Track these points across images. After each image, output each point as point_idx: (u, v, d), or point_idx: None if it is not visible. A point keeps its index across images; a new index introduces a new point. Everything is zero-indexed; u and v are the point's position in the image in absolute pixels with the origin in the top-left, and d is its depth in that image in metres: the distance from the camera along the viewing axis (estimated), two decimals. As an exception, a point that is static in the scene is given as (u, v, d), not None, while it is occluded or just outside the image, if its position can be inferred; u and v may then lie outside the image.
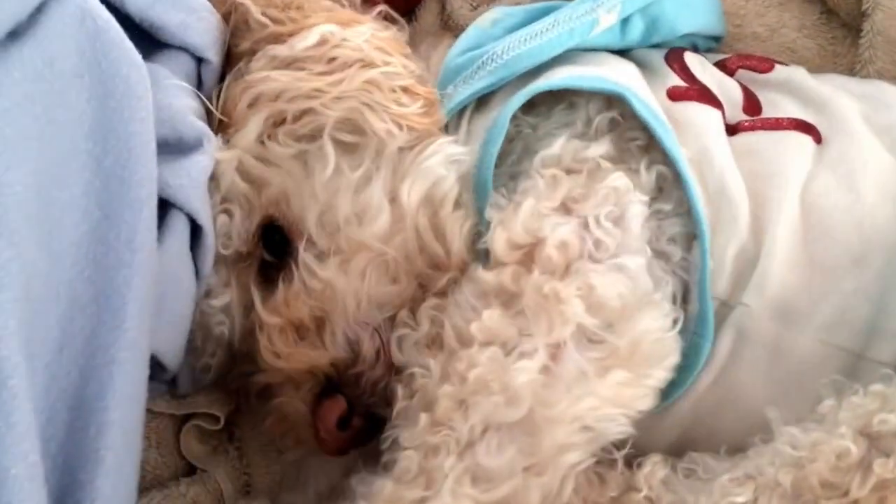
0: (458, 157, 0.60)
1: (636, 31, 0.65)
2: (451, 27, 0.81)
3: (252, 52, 0.60)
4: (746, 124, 0.61)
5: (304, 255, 0.57)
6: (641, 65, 0.63)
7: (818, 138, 0.60)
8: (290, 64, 0.58)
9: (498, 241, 0.53)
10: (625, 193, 0.54)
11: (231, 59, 0.62)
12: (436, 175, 0.59)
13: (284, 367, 0.57)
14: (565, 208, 0.54)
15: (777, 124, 0.61)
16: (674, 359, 0.52)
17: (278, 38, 0.59)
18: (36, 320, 0.45)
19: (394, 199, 0.58)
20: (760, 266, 0.55)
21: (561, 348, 0.50)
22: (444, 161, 0.59)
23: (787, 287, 0.55)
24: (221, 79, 0.61)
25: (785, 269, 0.55)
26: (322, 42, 0.58)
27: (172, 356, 0.57)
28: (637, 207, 0.54)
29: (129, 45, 0.51)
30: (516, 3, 0.77)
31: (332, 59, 0.58)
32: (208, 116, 0.60)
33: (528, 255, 0.52)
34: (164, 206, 0.54)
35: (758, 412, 0.54)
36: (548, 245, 0.52)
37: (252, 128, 0.58)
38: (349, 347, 0.57)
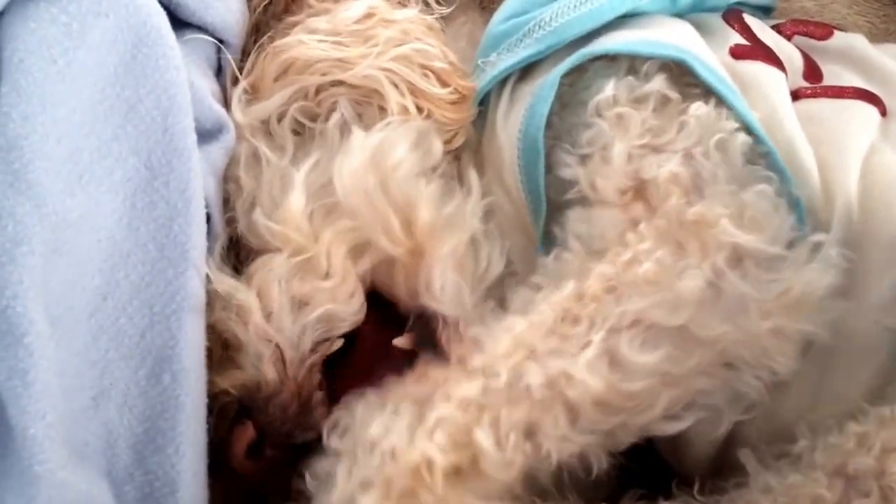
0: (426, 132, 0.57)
1: (685, 1, 0.62)
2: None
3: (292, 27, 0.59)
4: (808, 91, 0.59)
5: (215, 259, 0.54)
6: (697, 26, 0.61)
7: (883, 110, 0.57)
8: (329, 35, 0.57)
9: (605, 190, 0.51)
10: (713, 123, 0.52)
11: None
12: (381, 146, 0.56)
13: None
14: (652, 147, 0.52)
15: (841, 92, 0.59)
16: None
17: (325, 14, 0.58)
18: (68, 271, 0.46)
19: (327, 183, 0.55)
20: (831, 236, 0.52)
21: (721, 273, 0.47)
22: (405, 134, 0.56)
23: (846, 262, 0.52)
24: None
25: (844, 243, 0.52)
26: (367, 16, 0.57)
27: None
28: (741, 136, 0.52)
29: None
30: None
31: (371, 37, 0.57)
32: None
33: (638, 196, 0.50)
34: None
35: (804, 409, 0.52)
36: (660, 182, 0.50)
37: (276, 100, 0.56)
38: (256, 367, 0.53)
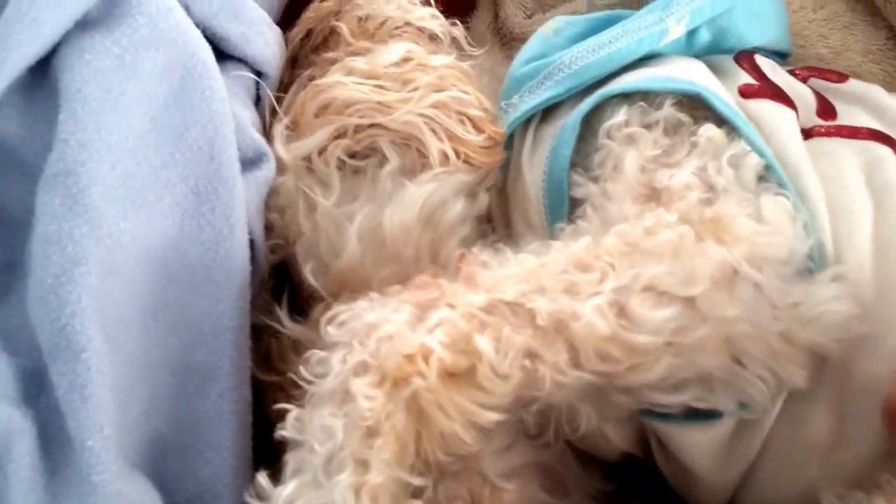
0: (471, 184, 0.60)
1: (702, 42, 0.64)
2: (503, 36, 0.81)
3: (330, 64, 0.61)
4: (822, 129, 0.60)
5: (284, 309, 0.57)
6: (709, 65, 0.63)
7: None
8: (366, 76, 0.59)
9: (617, 193, 0.52)
10: (724, 144, 0.53)
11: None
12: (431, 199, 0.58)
13: None
14: (664, 163, 0.53)
15: (855, 132, 0.59)
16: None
17: (362, 54, 0.61)
18: (121, 291, 0.48)
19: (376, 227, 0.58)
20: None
21: (738, 264, 0.47)
22: (453, 188, 0.59)
23: (861, 306, 0.52)
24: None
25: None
26: (405, 60, 0.59)
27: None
28: (754, 158, 0.53)
29: (196, 30, 0.53)
30: (572, 11, 0.77)
31: (408, 81, 0.59)
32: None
33: (652, 200, 0.51)
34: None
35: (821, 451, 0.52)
36: (674, 189, 0.50)
37: (317, 138, 0.58)
38: None
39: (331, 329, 0.46)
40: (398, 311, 0.45)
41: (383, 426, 0.42)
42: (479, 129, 0.60)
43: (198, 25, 0.55)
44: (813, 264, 0.51)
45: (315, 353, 0.46)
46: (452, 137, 0.59)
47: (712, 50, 0.65)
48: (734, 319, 0.46)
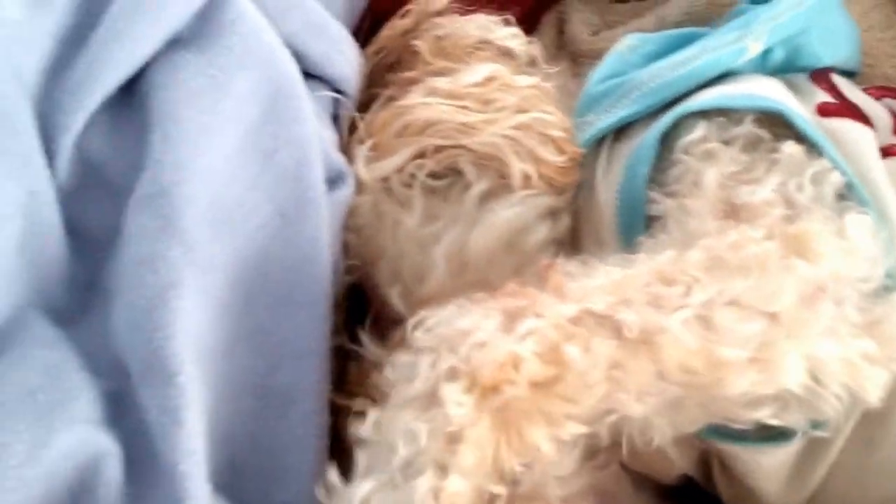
0: (554, 207, 0.59)
1: (776, 60, 0.64)
2: (568, 52, 0.81)
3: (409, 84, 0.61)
4: None
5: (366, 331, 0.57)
6: (786, 83, 0.62)
7: None
8: (448, 97, 0.59)
9: (696, 208, 0.52)
10: (805, 161, 0.53)
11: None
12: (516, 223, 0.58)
13: None
14: (743, 179, 0.52)
15: None
16: None
17: (441, 73, 0.61)
18: (209, 314, 0.48)
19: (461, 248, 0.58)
20: None
21: (823, 281, 0.46)
22: (537, 210, 0.59)
23: None
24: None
25: None
26: (488, 80, 0.59)
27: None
28: (836, 175, 0.52)
29: (286, 50, 0.53)
30: (639, 28, 0.77)
31: (491, 101, 0.59)
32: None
33: (732, 216, 0.50)
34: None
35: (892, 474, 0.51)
36: (755, 205, 0.50)
37: (397, 159, 0.58)
38: None
39: (418, 334, 0.46)
40: (488, 318, 0.45)
41: (467, 433, 0.41)
42: (560, 150, 0.59)
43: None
44: (892, 283, 0.50)
45: (399, 357, 0.46)
46: (535, 159, 0.58)
47: (785, 68, 0.64)
48: (817, 336, 0.46)
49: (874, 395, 0.47)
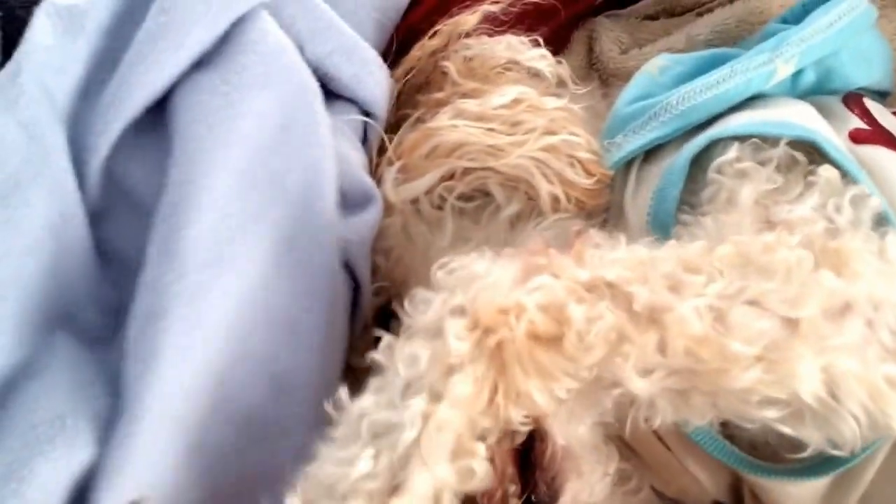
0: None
1: (807, 82, 0.63)
2: (598, 70, 0.80)
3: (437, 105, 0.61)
4: None
5: None
6: (817, 107, 0.61)
7: None
8: (477, 119, 0.59)
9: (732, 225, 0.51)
10: (842, 185, 0.52)
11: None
12: None
13: None
14: (779, 198, 0.52)
15: None
16: None
17: (470, 97, 0.60)
18: (203, 341, 0.48)
19: None
20: None
21: (854, 300, 0.45)
22: (566, 234, 0.57)
23: None
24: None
25: None
26: (516, 102, 0.59)
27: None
28: (874, 201, 0.51)
29: (308, 71, 0.52)
30: (669, 47, 0.77)
31: (519, 123, 0.58)
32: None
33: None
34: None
35: None
36: (793, 222, 0.49)
37: (426, 181, 0.58)
38: None
39: (440, 273, 0.47)
40: (505, 269, 0.46)
41: (465, 367, 0.42)
42: (589, 173, 0.59)
43: (311, 65, 0.56)
44: None
45: (420, 292, 0.47)
46: (563, 181, 0.58)
47: (816, 90, 0.63)
48: (837, 350, 0.45)
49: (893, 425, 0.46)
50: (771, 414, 0.45)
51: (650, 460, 0.56)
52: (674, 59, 0.66)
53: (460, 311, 0.44)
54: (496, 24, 0.66)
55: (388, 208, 0.59)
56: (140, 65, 0.49)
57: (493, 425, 0.43)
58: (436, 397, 0.42)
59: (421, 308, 0.46)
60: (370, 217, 0.57)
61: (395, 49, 0.67)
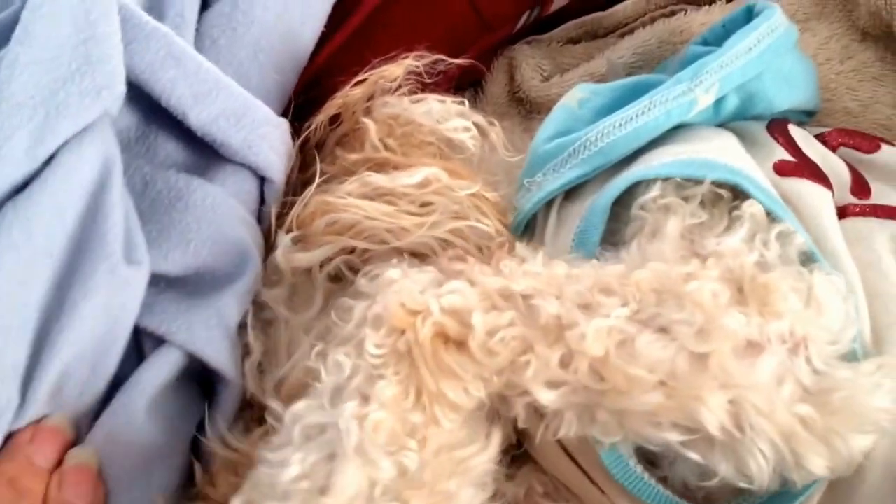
0: None
1: (730, 108, 0.61)
2: (519, 99, 0.79)
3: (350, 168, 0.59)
4: (856, 209, 0.57)
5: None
6: (741, 135, 0.60)
7: None
8: (383, 195, 0.57)
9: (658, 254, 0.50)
10: (768, 223, 0.51)
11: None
12: None
13: None
14: (704, 233, 0.51)
15: (891, 213, 0.56)
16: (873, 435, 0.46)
17: (383, 167, 0.58)
18: None
19: None
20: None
21: (765, 342, 0.45)
22: None
23: None
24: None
25: None
26: (424, 183, 0.57)
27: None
28: (799, 238, 0.51)
29: None
30: (591, 73, 0.75)
31: (427, 204, 0.57)
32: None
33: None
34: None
35: None
36: (723, 253, 0.49)
37: (321, 253, 0.56)
38: None
39: (362, 281, 0.51)
40: (422, 273, 0.49)
41: (388, 371, 0.45)
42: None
43: (197, 131, 0.54)
44: (859, 348, 0.48)
45: (345, 300, 0.50)
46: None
47: (739, 115, 0.62)
48: (744, 388, 0.44)
49: (814, 466, 0.45)
50: (676, 437, 0.45)
51: (586, 502, 0.55)
52: (593, 90, 0.64)
53: (378, 321, 0.47)
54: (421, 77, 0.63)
55: (280, 274, 0.58)
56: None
57: (423, 420, 0.45)
58: (365, 400, 0.44)
59: (345, 317, 0.48)
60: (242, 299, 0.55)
61: (299, 91, 0.65)
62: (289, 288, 0.58)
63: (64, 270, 0.48)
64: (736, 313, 0.45)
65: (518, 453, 0.56)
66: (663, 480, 0.51)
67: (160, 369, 0.51)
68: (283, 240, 0.57)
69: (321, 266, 0.57)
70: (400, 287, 0.47)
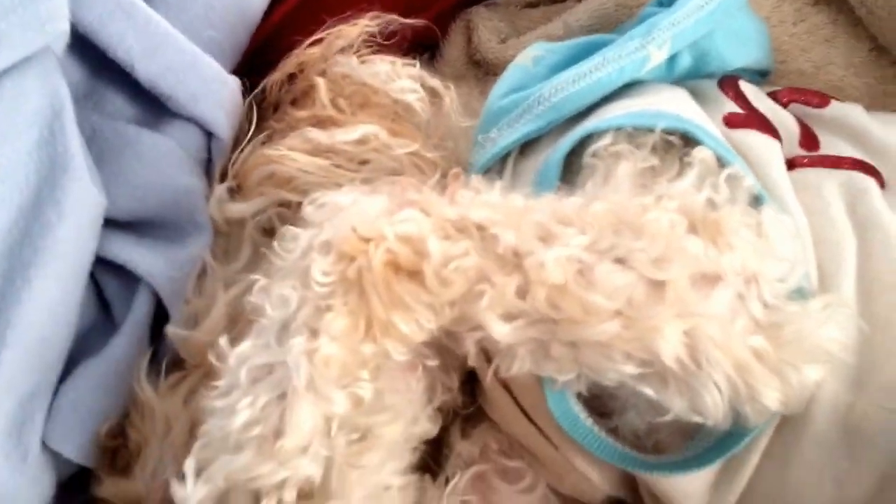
0: None
1: (684, 66, 0.61)
2: (477, 61, 0.78)
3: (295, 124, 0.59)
4: (805, 160, 0.58)
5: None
6: (693, 92, 0.60)
7: (882, 182, 0.56)
8: (324, 151, 0.57)
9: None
10: (717, 168, 0.51)
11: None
12: None
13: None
14: (655, 175, 0.51)
15: (838, 162, 0.57)
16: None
17: (326, 124, 0.58)
18: None
19: None
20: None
21: (721, 273, 0.45)
22: None
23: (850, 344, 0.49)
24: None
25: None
26: (363, 140, 0.57)
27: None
28: (748, 181, 0.51)
29: None
30: (548, 35, 0.75)
31: (365, 162, 0.57)
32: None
33: None
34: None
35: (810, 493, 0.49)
36: (673, 194, 0.48)
37: (254, 204, 0.56)
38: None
39: (309, 209, 0.47)
40: (374, 201, 0.46)
41: (336, 302, 0.43)
42: None
43: (144, 84, 0.53)
44: (807, 288, 0.49)
45: (289, 229, 0.47)
46: None
47: (693, 74, 0.62)
48: (700, 318, 0.44)
49: (768, 399, 0.45)
50: (631, 370, 0.44)
51: (541, 458, 0.55)
52: (548, 49, 0.64)
53: (326, 247, 0.44)
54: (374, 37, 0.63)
55: (213, 225, 0.57)
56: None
57: (374, 351, 0.43)
58: (314, 334, 0.42)
59: (289, 247, 0.46)
60: (195, 251, 0.55)
61: (253, 50, 0.64)
62: (224, 239, 0.58)
63: (32, 199, 0.48)
64: (696, 241, 0.45)
65: (473, 411, 0.56)
66: (614, 432, 0.52)
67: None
68: (218, 189, 0.57)
69: (254, 218, 0.57)
70: (351, 212, 0.45)
